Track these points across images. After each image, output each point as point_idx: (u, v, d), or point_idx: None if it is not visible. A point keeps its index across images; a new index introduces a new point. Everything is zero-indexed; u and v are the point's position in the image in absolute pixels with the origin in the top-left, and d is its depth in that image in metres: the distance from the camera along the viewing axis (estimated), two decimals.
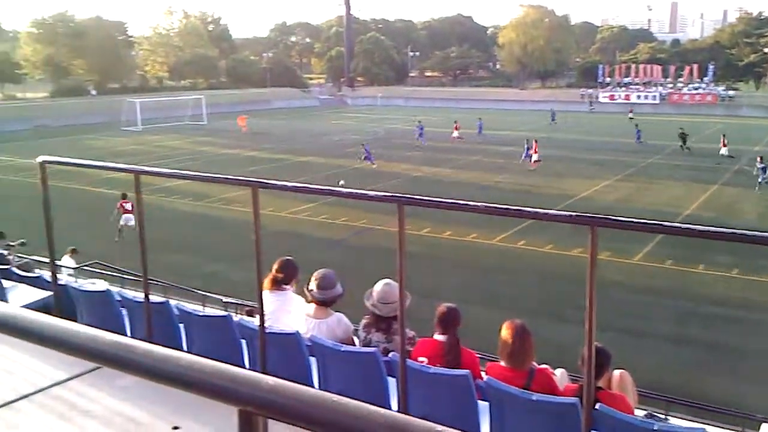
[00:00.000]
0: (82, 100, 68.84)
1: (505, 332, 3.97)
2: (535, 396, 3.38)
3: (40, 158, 4.05)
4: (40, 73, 78.72)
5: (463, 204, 2.77)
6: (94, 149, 42.27)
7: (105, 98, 69.08)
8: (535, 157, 33.74)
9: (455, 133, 44.29)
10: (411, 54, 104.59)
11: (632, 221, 2.67)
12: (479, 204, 2.78)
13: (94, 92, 75.61)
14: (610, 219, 2.67)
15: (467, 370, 3.72)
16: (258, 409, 0.93)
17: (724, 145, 36.07)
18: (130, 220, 20.48)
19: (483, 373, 4.26)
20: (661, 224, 2.60)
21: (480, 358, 4.85)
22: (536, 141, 35.03)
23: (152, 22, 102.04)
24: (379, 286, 4.63)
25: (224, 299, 12.49)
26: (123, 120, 53.79)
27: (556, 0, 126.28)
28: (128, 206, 20.64)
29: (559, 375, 4.46)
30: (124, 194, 20.93)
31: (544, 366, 4.27)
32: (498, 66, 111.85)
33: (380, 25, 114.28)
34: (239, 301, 12.30)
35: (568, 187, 28.48)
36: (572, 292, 13.77)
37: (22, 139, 46.01)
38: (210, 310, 7.35)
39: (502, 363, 4.03)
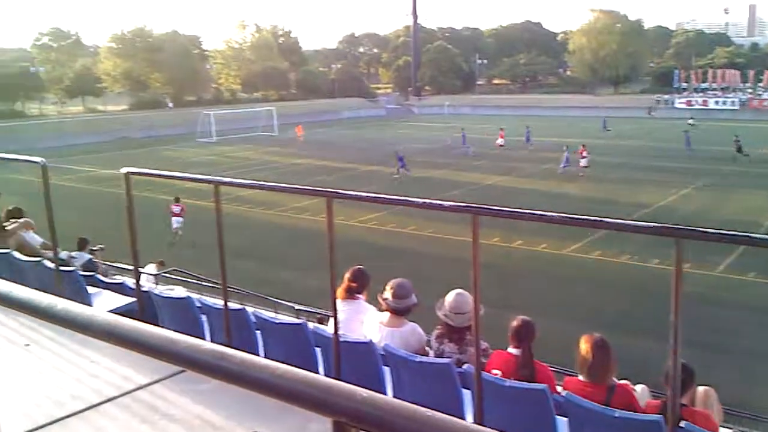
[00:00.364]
0: (160, 113, 71.59)
1: (584, 346, 3.86)
2: (618, 413, 3.28)
3: (125, 169, 4.23)
4: (119, 87, 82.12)
5: (539, 215, 2.73)
6: (171, 160, 43.84)
7: (181, 111, 71.57)
8: (583, 162, 33.16)
9: (499, 141, 44.31)
10: (479, 62, 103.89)
11: (720, 233, 2.55)
12: (555, 214, 2.72)
13: (170, 105, 78.46)
14: (696, 231, 2.56)
15: (545, 385, 3.64)
16: (352, 420, 0.94)
17: None
18: (177, 222, 21.48)
19: (558, 388, 4.17)
20: (750, 236, 2.48)
21: (553, 371, 4.76)
22: (584, 146, 34.22)
23: (225, 36, 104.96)
24: (451, 296, 4.59)
25: (296, 306, 12.72)
26: (198, 131, 55.60)
27: (629, 4, 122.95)
28: (176, 209, 21.51)
29: (640, 391, 4.31)
30: (177, 198, 21.61)
31: (624, 381, 4.14)
32: (568, 72, 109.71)
33: (447, 34, 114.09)
34: (311, 309, 12.50)
35: (641, 197, 27.62)
36: (650, 305, 13.33)
37: (104, 150, 48.16)
38: (281, 318, 7.47)
39: (581, 377, 3.92)
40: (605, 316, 14.38)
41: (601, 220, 2.75)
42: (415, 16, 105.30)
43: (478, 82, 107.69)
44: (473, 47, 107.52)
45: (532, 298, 15.42)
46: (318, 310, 12.16)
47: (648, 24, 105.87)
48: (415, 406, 0.93)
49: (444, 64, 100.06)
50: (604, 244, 19.57)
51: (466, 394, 3.70)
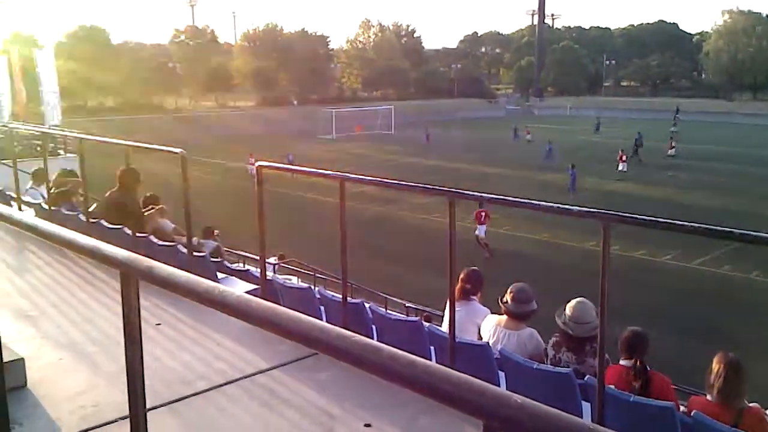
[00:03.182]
0: (285, 110, 74.40)
1: (717, 365, 3.66)
2: None
3: (258, 163, 4.43)
4: (249, 84, 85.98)
5: (680, 224, 2.57)
6: (294, 155, 45.41)
7: (305, 108, 74.01)
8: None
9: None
10: (606, 62, 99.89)
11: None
12: (698, 225, 2.56)
13: (295, 102, 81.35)
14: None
15: (671, 403, 3.45)
16: (504, 425, 0.92)
17: None
18: (481, 230, 20.54)
19: (682, 407, 3.96)
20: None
21: (674, 388, 4.52)
22: (622, 150, 35.31)
23: (350, 34, 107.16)
24: (572, 305, 4.45)
25: (407, 304, 12.81)
26: (319, 128, 57.27)
27: None
28: (482, 216, 20.40)
29: None
30: (481, 203, 20.73)
31: (754, 404, 3.88)
32: (703, 76, 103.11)
33: (574, 34, 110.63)
34: (419, 307, 12.56)
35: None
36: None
37: (231, 143, 50.37)
38: (397, 314, 7.54)
39: (709, 397, 3.73)
40: (735, 335, 13.43)
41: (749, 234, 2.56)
42: (542, 16, 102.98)
43: (605, 84, 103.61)
44: (601, 47, 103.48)
45: (653, 311, 14.69)
46: (426, 308, 12.19)
47: None
48: (573, 417, 0.90)
49: (569, 64, 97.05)
50: (735, 259, 18.27)
51: (585, 407, 3.57)
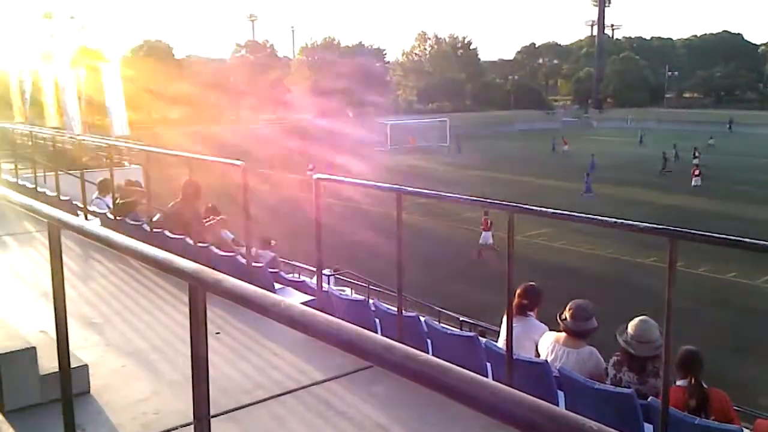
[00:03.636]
0: (341, 122, 75.15)
1: None
2: None
3: (316, 176, 4.49)
4: (307, 97, 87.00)
5: (752, 243, 2.47)
6: (349, 168, 45.75)
7: (360, 120, 74.56)
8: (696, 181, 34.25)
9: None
10: (669, 74, 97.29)
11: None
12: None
13: (351, 114, 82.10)
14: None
15: (738, 427, 3.32)
16: None
17: None
18: (488, 238, 21.30)
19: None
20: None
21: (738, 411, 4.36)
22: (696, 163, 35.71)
23: (406, 47, 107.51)
24: (635, 323, 4.33)
25: (461, 318, 12.70)
26: (375, 141, 57.59)
27: None
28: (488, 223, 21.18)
29: None
30: (486, 211, 20.63)
31: None
32: None
33: (635, 44, 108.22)
34: (473, 321, 12.42)
35: None
36: None
37: (289, 155, 51.23)
38: (452, 329, 7.49)
39: None
40: None
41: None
42: (602, 27, 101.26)
43: (667, 95, 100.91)
44: (663, 58, 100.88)
45: (717, 330, 14.19)
46: (480, 323, 12.06)
47: None
48: None
49: (629, 75, 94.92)
50: None
51: (648, 429, 3.46)
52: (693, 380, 3.97)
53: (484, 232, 21.59)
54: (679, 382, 4.04)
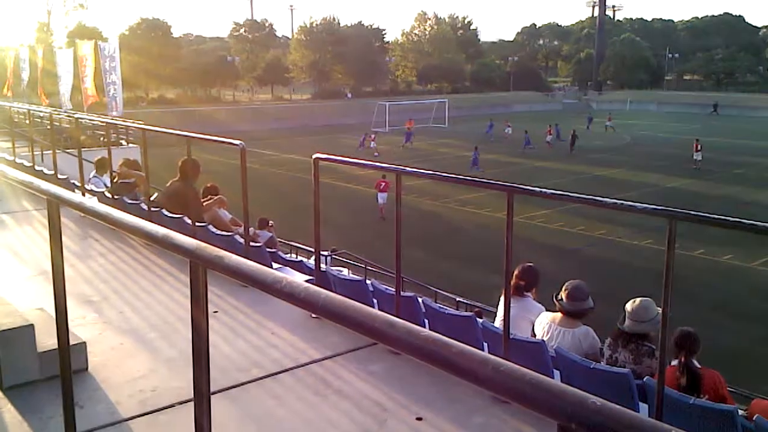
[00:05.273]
0: (339, 103, 74.76)
1: None
2: None
3: (315, 155, 4.47)
4: (305, 77, 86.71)
5: (749, 224, 2.48)
6: (346, 147, 45.62)
7: (359, 101, 74.20)
8: (698, 156, 34.48)
9: (548, 138, 44.02)
10: (669, 56, 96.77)
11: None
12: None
13: (349, 95, 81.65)
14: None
15: (733, 406, 3.35)
16: (581, 427, 0.91)
17: None
18: (382, 198, 22.81)
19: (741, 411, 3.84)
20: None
21: (733, 392, 4.40)
22: (697, 140, 35.19)
23: (405, 27, 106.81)
24: (633, 303, 4.35)
25: (457, 298, 12.74)
26: (373, 121, 57.31)
27: None
28: (382, 185, 22.79)
29: None
30: (383, 174, 22.27)
31: None
32: None
33: (636, 26, 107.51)
34: (469, 302, 12.46)
35: None
36: None
37: (287, 136, 51.15)
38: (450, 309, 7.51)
39: None
40: None
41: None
42: (604, 7, 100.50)
43: (667, 78, 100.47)
44: (663, 40, 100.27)
45: (714, 312, 14.28)
46: (476, 303, 12.10)
47: None
48: (654, 422, 0.88)
49: (630, 57, 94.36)
50: None
51: (643, 408, 3.49)
52: (683, 358, 4.01)
53: (379, 194, 23.23)
54: (673, 362, 4.08)
